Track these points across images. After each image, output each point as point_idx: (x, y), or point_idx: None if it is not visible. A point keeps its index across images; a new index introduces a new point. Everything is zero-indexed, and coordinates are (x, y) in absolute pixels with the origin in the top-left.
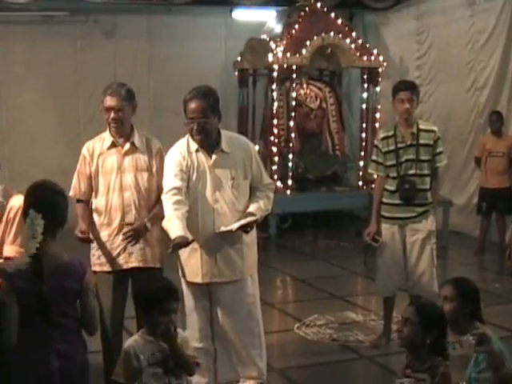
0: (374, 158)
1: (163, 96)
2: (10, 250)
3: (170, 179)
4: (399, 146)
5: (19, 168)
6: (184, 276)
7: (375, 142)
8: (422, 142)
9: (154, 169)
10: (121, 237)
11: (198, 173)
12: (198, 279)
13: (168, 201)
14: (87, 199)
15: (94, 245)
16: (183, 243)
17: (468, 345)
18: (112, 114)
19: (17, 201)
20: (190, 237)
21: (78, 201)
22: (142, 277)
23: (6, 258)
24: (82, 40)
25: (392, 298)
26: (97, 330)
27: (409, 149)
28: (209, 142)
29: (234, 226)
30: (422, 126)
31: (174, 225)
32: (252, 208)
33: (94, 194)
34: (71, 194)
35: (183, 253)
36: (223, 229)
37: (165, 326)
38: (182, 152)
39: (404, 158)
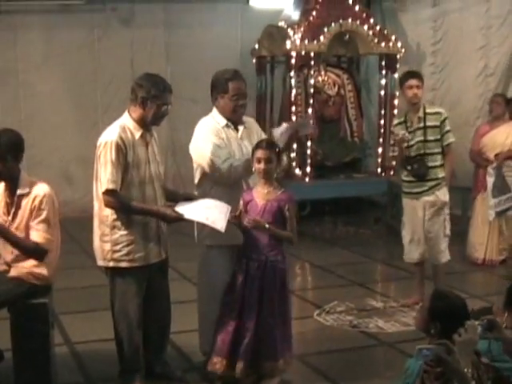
0: (392, 142)
1: (180, 84)
2: (38, 236)
3: (220, 151)
4: (409, 130)
5: (37, 156)
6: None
7: (391, 129)
8: (428, 124)
9: (159, 159)
10: (154, 229)
11: (229, 143)
12: (232, 241)
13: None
14: None
15: (120, 239)
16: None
17: (473, 329)
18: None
19: (41, 189)
20: None
21: (115, 193)
22: (163, 267)
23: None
24: (99, 28)
25: (420, 263)
26: None
27: (417, 131)
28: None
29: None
30: (428, 110)
31: None
32: None
33: (122, 186)
34: (113, 186)
35: None
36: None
37: None
38: (216, 125)
39: (414, 141)
